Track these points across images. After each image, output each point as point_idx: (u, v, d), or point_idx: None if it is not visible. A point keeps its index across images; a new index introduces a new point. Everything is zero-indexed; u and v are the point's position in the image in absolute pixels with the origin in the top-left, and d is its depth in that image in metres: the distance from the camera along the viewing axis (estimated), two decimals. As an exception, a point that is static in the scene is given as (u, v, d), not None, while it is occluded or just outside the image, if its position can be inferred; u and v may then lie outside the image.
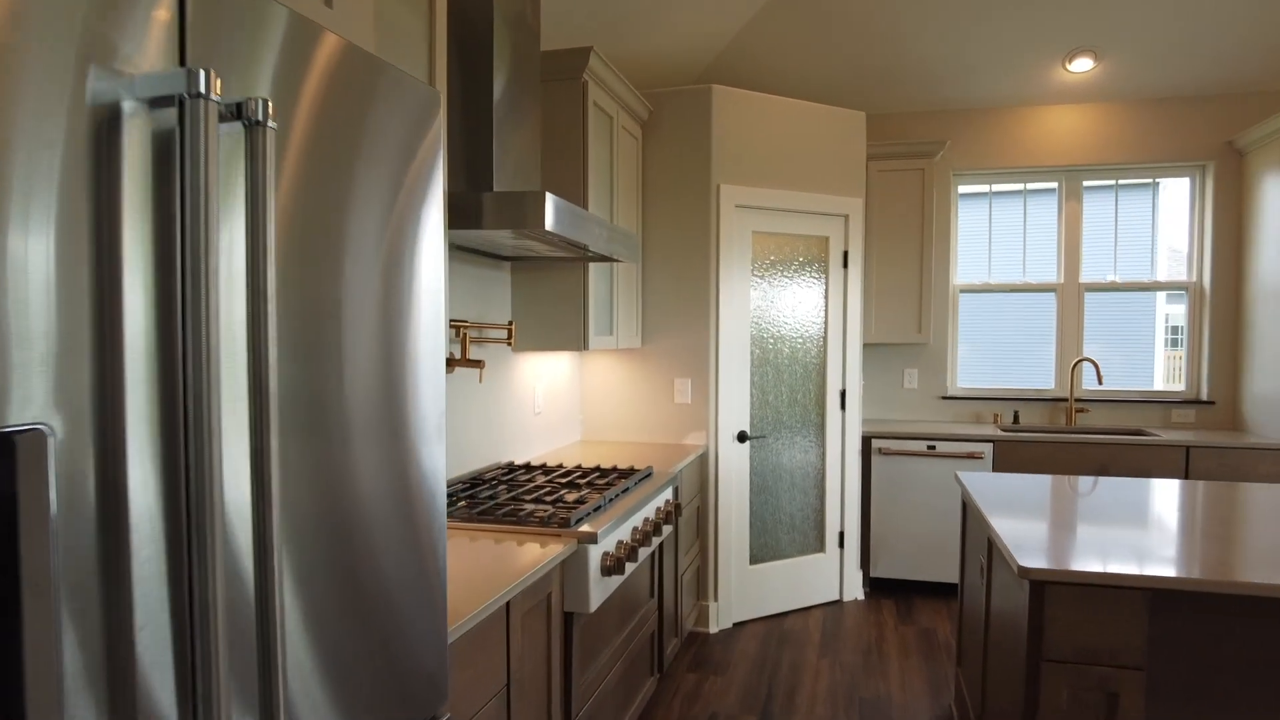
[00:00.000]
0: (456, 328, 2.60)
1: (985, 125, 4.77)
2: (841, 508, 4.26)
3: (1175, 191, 4.72)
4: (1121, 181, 4.75)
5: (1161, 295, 4.80)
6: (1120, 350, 4.79)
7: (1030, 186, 4.89)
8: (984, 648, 2.54)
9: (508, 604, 1.70)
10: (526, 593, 1.81)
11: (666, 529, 2.80)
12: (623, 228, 2.80)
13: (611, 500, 2.44)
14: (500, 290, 3.09)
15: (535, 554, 1.91)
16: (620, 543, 2.28)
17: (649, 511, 2.64)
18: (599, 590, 2.13)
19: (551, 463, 3.25)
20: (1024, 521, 2.30)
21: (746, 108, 3.83)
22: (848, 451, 4.25)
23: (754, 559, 4.00)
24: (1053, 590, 1.81)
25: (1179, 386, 4.71)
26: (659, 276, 3.84)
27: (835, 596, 4.29)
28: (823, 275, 4.15)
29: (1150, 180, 4.72)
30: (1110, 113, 4.61)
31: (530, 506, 2.28)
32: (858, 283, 4.22)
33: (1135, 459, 4.08)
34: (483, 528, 2.14)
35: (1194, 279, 4.66)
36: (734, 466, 3.88)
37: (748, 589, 3.97)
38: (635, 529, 2.46)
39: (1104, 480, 2.91)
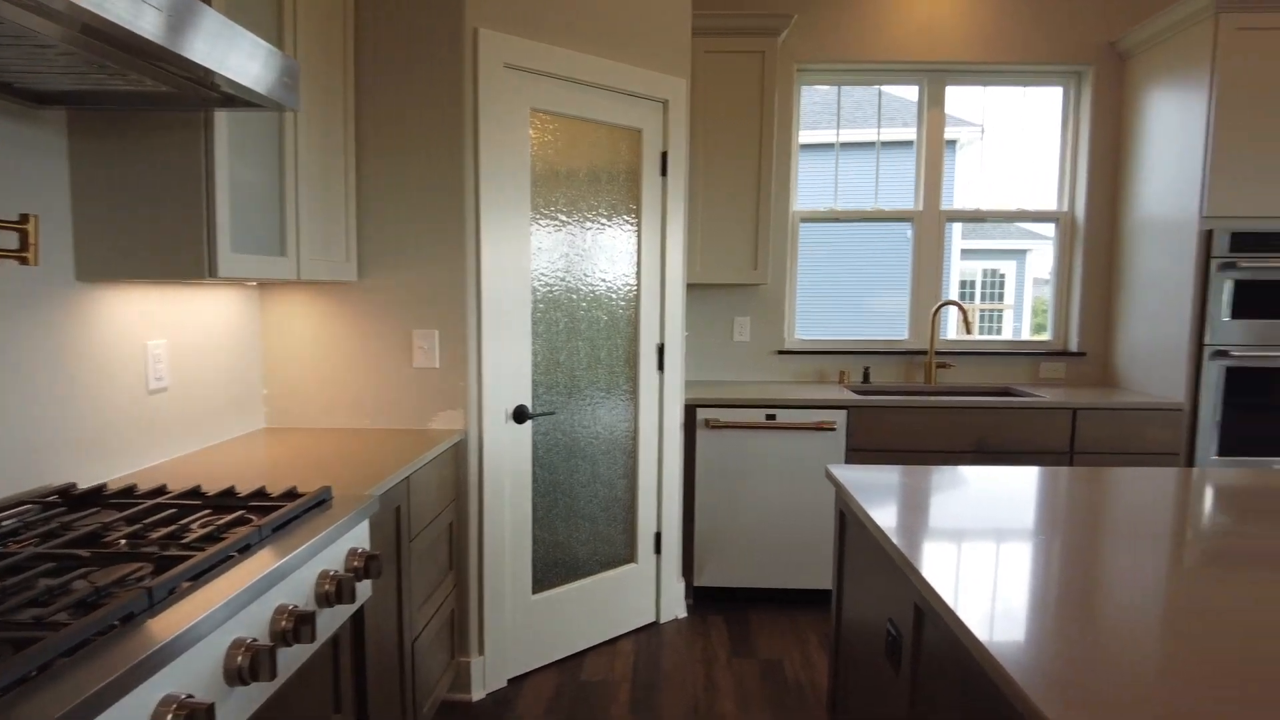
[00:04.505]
0: None
1: (836, 2, 3.75)
2: (659, 502, 3.17)
3: (1047, 103, 3.95)
4: (990, 89, 3.92)
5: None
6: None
7: (887, 90, 3.96)
8: (897, 777, 1.50)
9: None
10: None
11: (341, 610, 1.53)
12: (258, 41, 1.44)
13: (144, 615, 1.13)
14: (40, 166, 1.63)
15: None
16: None
17: (297, 588, 1.36)
18: None
19: (173, 481, 1.86)
20: (982, 578, 1.25)
21: (520, -81, 2.52)
22: (667, 427, 3.14)
23: (539, 585, 2.82)
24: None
25: (1045, 336, 4.01)
26: (385, 172, 2.48)
27: (651, 618, 3.22)
28: (634, 187, 2.96)
29: (1020, 88, 3.92)
30: (981, 1, 3.74)
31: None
32: (680, 199, 3.08)
33: (1015, 426, 3.28)
34: None
35: (1065, 209, 3.93)
36: (509, 458, 2.65)
37: (530, 628, 2.79)
38: (248, 643, 1.17)
39: (1064, 473, 1.96)
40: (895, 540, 1.46)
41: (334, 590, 1.42)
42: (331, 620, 1.47)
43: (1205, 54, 3.16)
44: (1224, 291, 3.20)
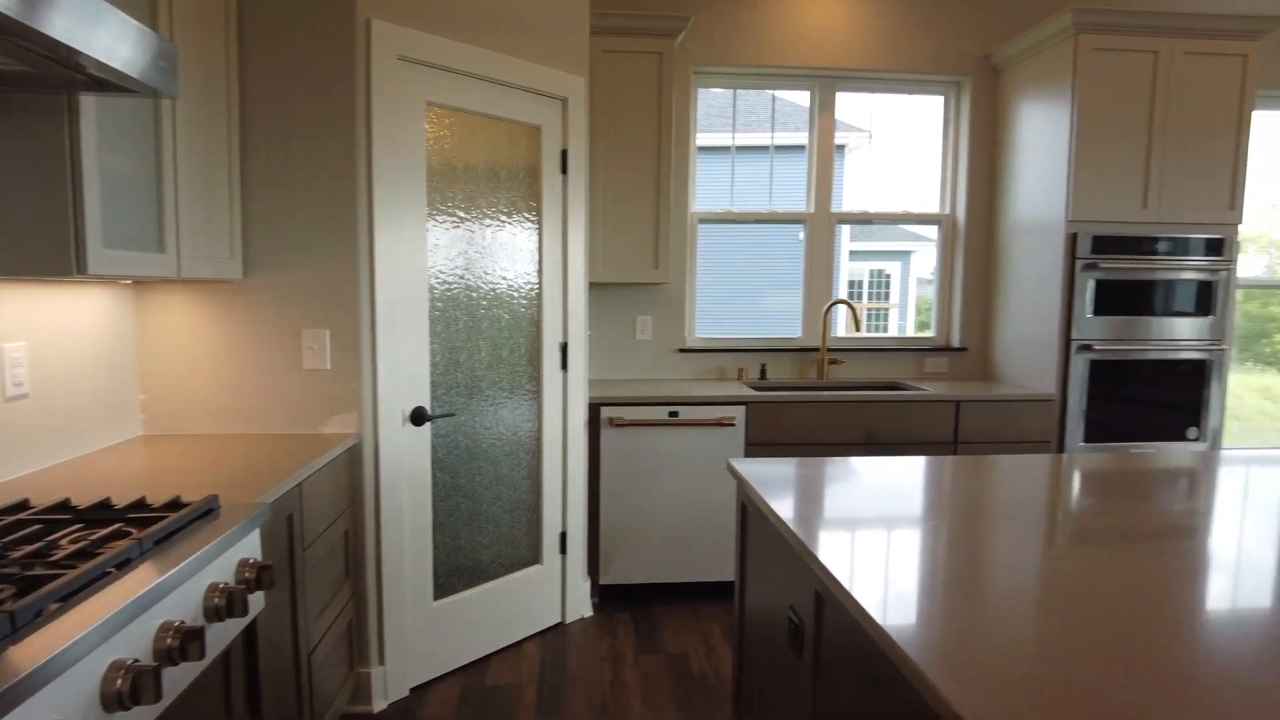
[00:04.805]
0: None
1: (731, 7, 3.83)
2: (564, 502, 3.16)
3: (930, 110, 4.15)
4: (877, 96, 4.09)
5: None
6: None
7: (780, 95, 4.07)
8: (800, 760, 1.54)
9: None
10: None
11: (233, 623, 1.45)
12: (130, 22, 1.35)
13: None
14: None
15: None
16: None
17: (184, 603, 1.29)
18: None
19: (37, 495, 1.72)
20: (877, 563, 1.31)
21: (414, -92, 2.46)
22: (571, 426, 3.13)
23: (440, 591, 2.76)
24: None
25: (929, 334, 4.22)
26: (272, 166, 2.37)
27: (557, 619, 3.20)
28: (534, 184, 2.94)
29: (905, 95, 4.11)
30: (869, 8, 3.89)
31: None
32: (581, 197, 3.08)
33: (902, 418, 3.43)
34: None
35: (947, 212, 4.15)
36: (407, 461, 2.58)
37: (433, 635, 2.72)
38: (129, 665, 1.10)
39: (948, 462, 2.06)
40: (795, 529, 1.51)
41: (224, 604, 1.35)
42: (222, 635, 1.40)
43: (1067, 70, 3.40)
44: (1087, 290, 3.45)
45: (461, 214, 2.70)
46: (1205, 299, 3.52)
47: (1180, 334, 3.52)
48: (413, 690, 2.67)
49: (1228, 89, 3.44)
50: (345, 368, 2.43)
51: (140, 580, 1.19)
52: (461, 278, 2.72)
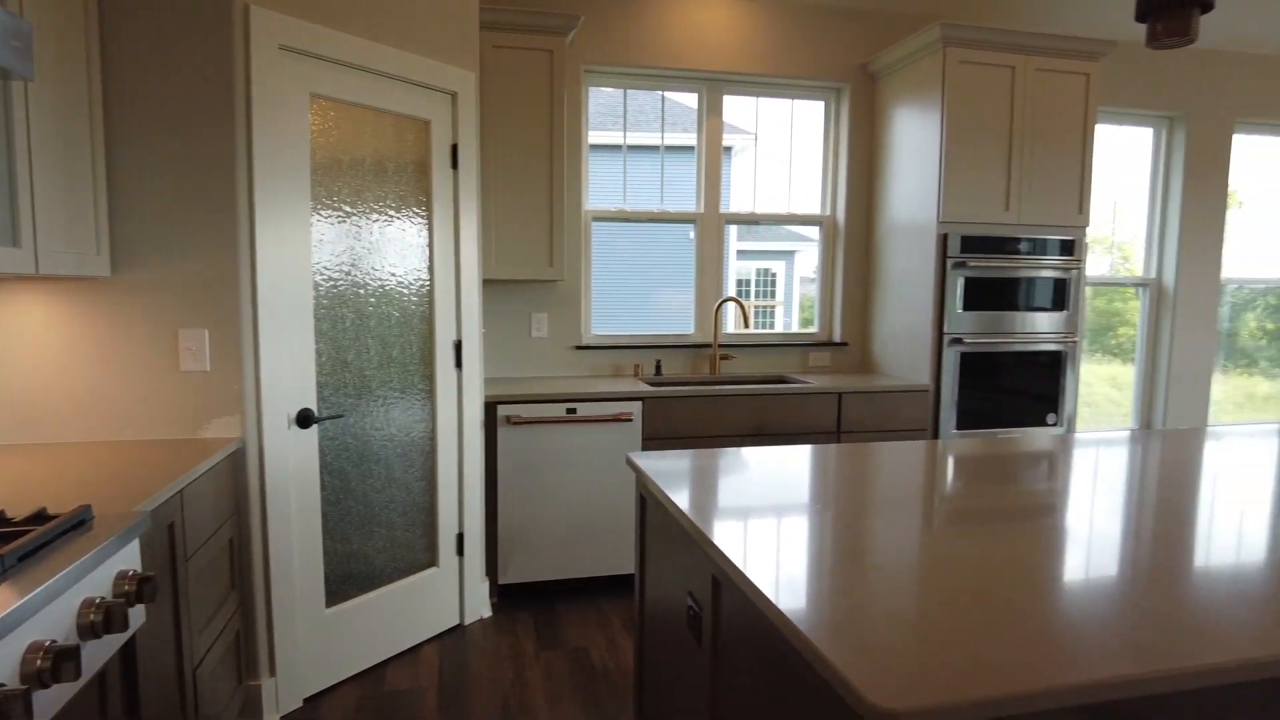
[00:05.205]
0: None
1: (622, 8, 3.87)
2: (460, 502, 3.12)
3: (811, 115, 4.32)
4: (762, 100, 4.22)
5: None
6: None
7: (670, 96, 4.14)
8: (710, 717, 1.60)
9: None
10: None
11: (111, 640, 1.38)
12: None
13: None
14: None
15: None
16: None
17: (55, 622, 1.21)
18: None
19: None
20: (769, 546, 1.38)
21: (294, -109, 2.37)
22: (467, 425, 3.10)
23: (333, 598, 2.68)
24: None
25: (813, 329, 4.40)
26: (143, 158, 2.23)
27: (455, 621, 3.16)
28: (424, 179, 2.89)
29: (788, 100, 4.26)
30: (755, 14, 4.01)
31: None
32: (472, 193, 3.04)
33: (789, 410, 3.57)
34: None
35: (828, 213, 4.33)
36: (294, 465, 2.49)
37: (326, 644, 2.64)
38: (-7, 684, 1.03)
39: (833, 450, 2.16)
40: (692, 518, 1.56)
41: (101, 619, 1.28)
42: (99, 652, 1.32)
43: (936, 81, 3.62)
44: (957, 287, 3.69)
45: (348, 208, 2.63)
46: (1060, 295, 3.83)
47: (1039, 327, 3.82)
48: (306, 701, 2.58)
49: (1074, 103, 3.75)
50: (226, 369, 2.32)
51: (2, 600, 1.11)
52: (348, 274, 2.65)
